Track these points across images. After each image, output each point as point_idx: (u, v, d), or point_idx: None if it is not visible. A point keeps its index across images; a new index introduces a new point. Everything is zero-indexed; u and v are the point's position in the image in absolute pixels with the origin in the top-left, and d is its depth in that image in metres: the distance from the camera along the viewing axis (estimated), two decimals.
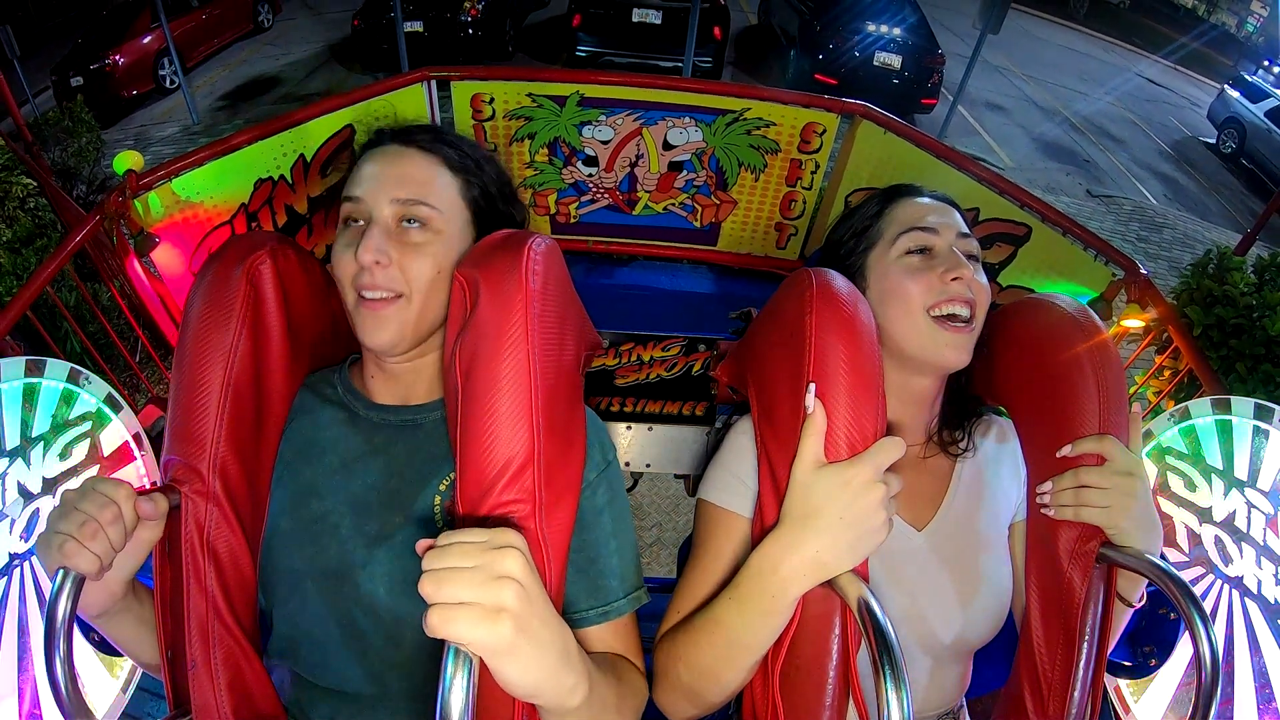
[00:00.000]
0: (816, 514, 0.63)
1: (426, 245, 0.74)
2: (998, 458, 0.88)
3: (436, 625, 0.48)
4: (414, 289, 0.73)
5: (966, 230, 0.83)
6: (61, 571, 0.58)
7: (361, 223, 0.75)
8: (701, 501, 0.80)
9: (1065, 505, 0.74)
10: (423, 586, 0.49)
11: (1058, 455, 0.76)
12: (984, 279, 0.81)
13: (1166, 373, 2.15)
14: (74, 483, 1.09)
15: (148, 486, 1.07)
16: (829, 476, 0.63)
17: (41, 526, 1.03)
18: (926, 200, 0.85)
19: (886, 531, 0.63)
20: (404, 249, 0.73)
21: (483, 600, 0.49)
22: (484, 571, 0.50)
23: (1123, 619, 0.81)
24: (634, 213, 2.46)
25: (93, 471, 1.12)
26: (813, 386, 0.66)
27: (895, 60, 6.94)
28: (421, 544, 0.53)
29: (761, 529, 0.69)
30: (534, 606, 0.52)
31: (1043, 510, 0.77)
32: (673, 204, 2.44)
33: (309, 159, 1.87)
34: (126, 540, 0.62)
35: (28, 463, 1.04)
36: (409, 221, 0.74)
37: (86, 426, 1.12)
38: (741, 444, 0.79)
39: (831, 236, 0.91)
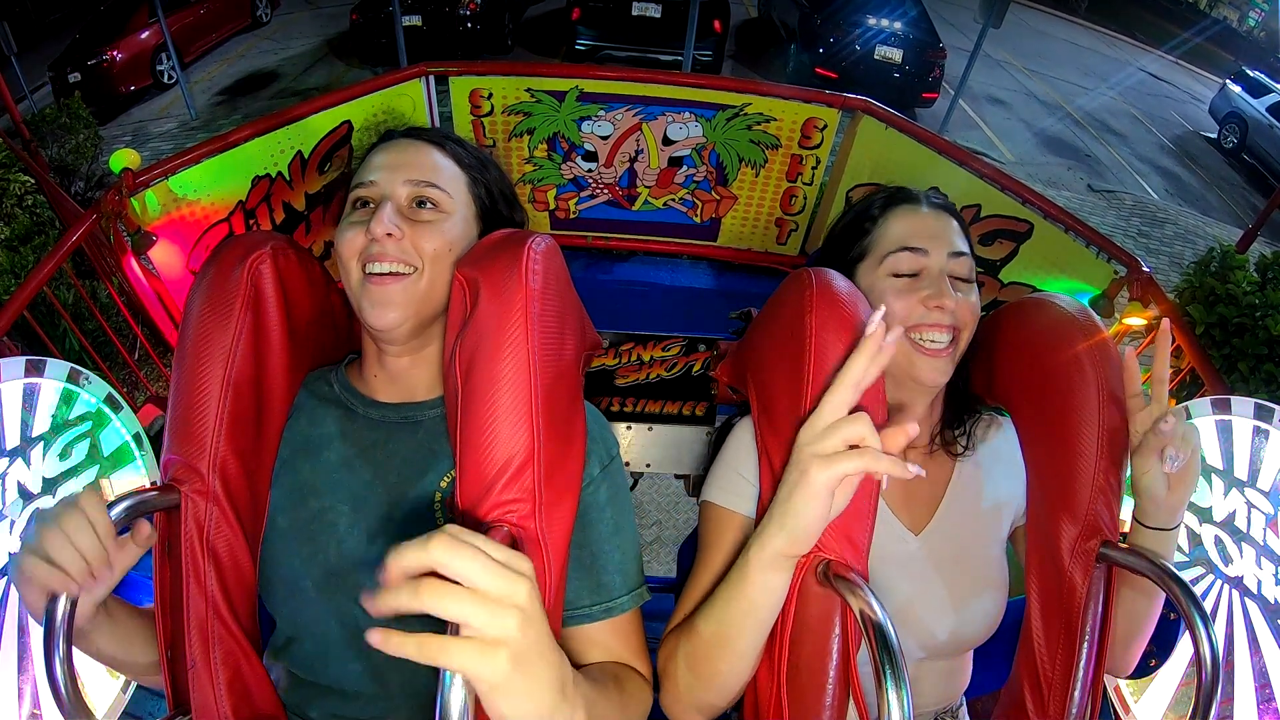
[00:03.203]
0: (787, 481, 0.59)
1: (437, 223, 0.75)
2: (997, 456, 0.88)
3: (432, 653, 0.42)
4: (425, 262, 0.73)
5: (961, 248, 0.81)
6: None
7: (372, 204, 0.76)
8: (705, 503, 0.80)
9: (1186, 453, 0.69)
10: (418, 592, 0.42)
11: (1156, 425, 0.69)
12: (975, 298, 0.80)
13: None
14: (74, 484, 1.08)
15: (147, 486, 1.07)
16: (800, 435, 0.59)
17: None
18: (925, 211, 0.83)
19: (852, 463, 0.56)
20: (416, 226, 0.74)
21: (486, 629, 0.43)
22: (492, 596, 0.44)
23: (1145, 622, 0.80)
24: (634, 208, 2.45)
25: (93, 471, 1.12)
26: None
27: (896, 54, 6.91)
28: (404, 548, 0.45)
29: None
30: (536, 640, 0.47)
31: (1167, 469, 0.70)
32: (673, 199, 2.44)
33: (306, 155, 1.86)
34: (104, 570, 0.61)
35: (28, 463, 1.04)
36: (421, 203, 0.76)
37: (86, 426, 1.12)
38: (744, 442, 0.79)
39: (830, 235, 0.91)
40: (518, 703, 0.47)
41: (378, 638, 0.41)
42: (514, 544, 0.60)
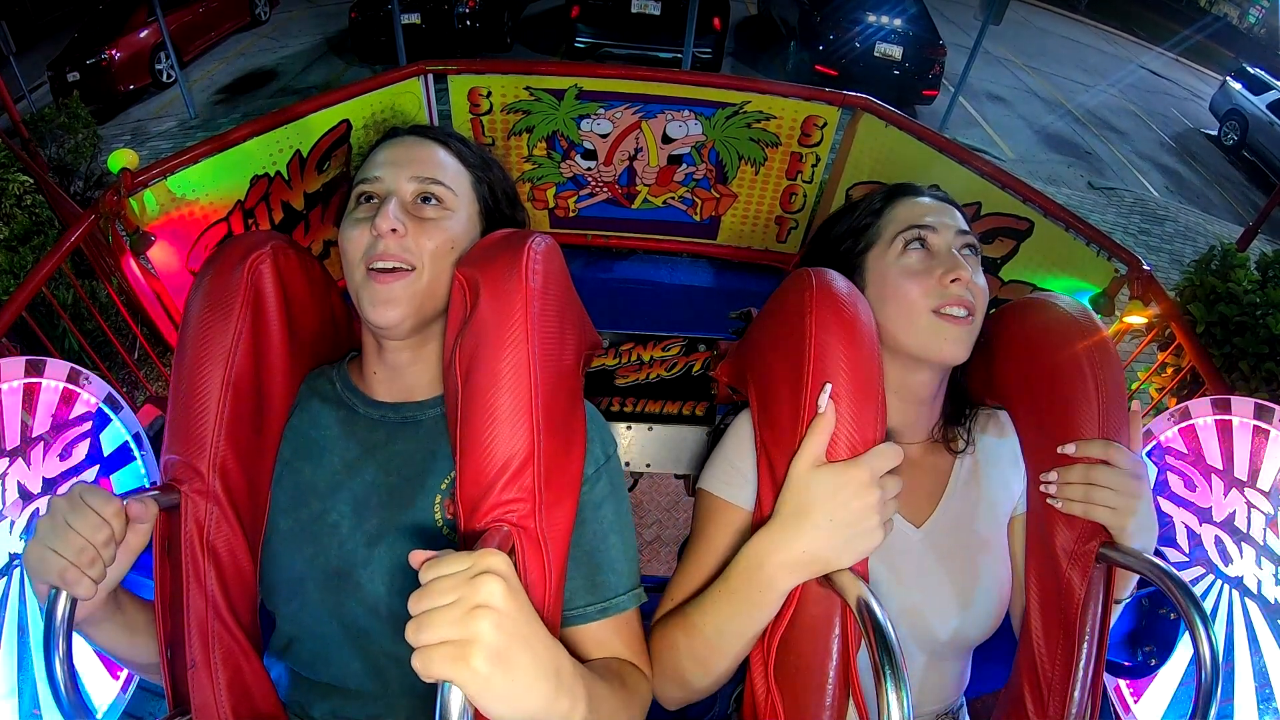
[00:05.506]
0: (807, 512, 0.64)
1: (440, 220, 0.75)
2: (997, 453, 0.88)
3: (419, 669, 0.48)
4: (426, 261, 0.73)
5: (966, 228, 0.83)
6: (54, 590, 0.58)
7: (377, 199, 0.76)
8: (701, 491, 0.81)
9: (1074, 500, 0.74)
10: (408, 633, 0.48)
11: (1059, 451, 0.76)
12: (982, 279, 0.81)
13: (1169, 370, 2.15)
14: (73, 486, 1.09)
15: (147, 486, 1.07)
16: (826, 476, 0.64)
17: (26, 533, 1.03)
18: (926, 200, 0.85)
19: (883, 534, 0.64)
20: (419, 223, 0.74)
21: (454, 636, 0.47)
22: (460, 605, 0.48)
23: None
24: (633, 206, 2.45)
25: (93, 471, 1.12)
26: (828, 388, 0.66)
27: (896, 51, 6.90)
28: (415, 556, 0.52)
29: (760, 522, 0.69)
30: (516, 634, 0.49)
31: (1049, 501, 0.77)
32: (672, 198, 2.43)
33: (305, 155, 1.86)
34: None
35: (28, 463, 1.04)
36: (425, 199, 0.76)
37: (86, 426, 1.12)
38: (743, 435, 0.79)
39: (828, 232, 0.90)
40: (508, 699, 0.49)
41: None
42: (512, 546, 0.60)
